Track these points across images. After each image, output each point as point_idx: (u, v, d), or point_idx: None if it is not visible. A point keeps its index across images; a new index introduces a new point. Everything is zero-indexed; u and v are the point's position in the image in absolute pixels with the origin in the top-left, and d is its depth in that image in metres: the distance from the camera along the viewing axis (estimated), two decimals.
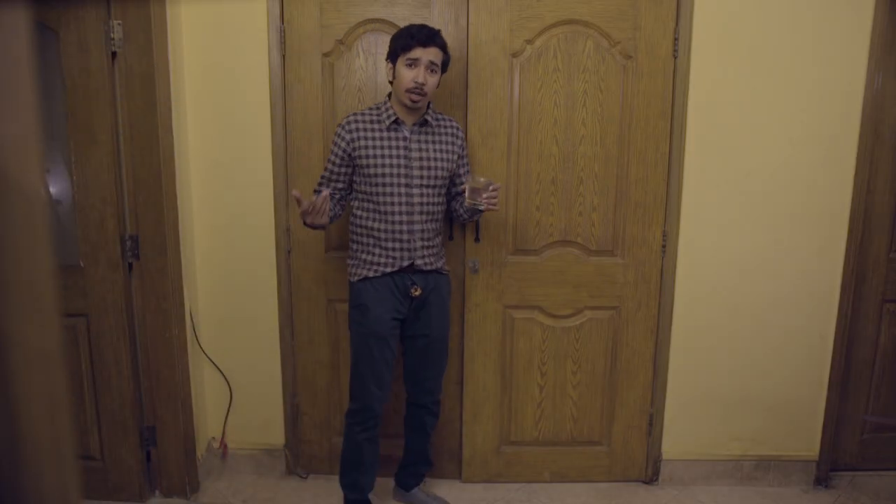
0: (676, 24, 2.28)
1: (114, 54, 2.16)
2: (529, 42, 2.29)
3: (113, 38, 2.14)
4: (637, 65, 2.30)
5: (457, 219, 2.27)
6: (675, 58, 2.29)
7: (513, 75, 2.31)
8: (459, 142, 2.17)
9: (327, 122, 2.35)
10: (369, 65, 2.31)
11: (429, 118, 2.09)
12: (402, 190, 2.05)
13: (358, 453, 2.20)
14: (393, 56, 2.01)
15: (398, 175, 2.04)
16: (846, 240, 2.39)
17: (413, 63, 1.97)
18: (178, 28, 2.30)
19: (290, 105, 2.35)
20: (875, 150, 2.34)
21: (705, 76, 2.30)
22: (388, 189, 2.05)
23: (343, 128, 2.08)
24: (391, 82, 2.04)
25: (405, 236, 2.07)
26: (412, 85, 1.97)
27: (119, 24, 2.13)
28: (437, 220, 2.15)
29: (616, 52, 2.30)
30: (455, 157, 2.16)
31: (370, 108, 2.11)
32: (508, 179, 2.37)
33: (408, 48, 1.97)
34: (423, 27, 1.99)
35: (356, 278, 2.12)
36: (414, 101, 2.00)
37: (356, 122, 2.07)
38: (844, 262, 2.40)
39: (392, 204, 2.05)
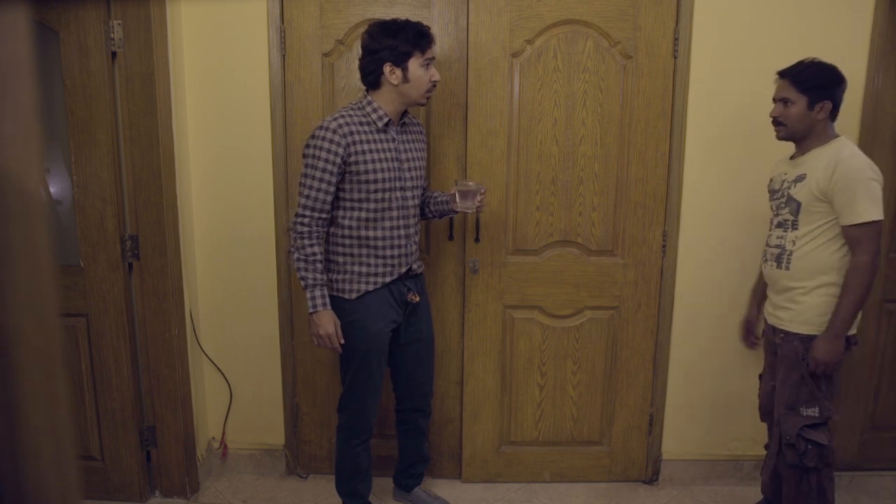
0: (676, 24, 2.28)
1: (114, 54, 2.16)
2: (529, 42, 2.29)
3: (113, 38, 2.14)
4: (637, 65, 2.30)
5: (421, 217, 2.21)
6: (675, 58, 2.29)
7: (513, 75, 2.31)
8: (425, 139, 2.18)
9: None
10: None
11: (406, 119, 2.06)
12: (398, 194, 1.99)
13: (355, 463, 2.16)
14: (402, 57, 1.90)
15: (393, 179, 1.97)
16: None
17: (430, 62, 1.95)
18: (178, 28, 2.30)
19: (290, 105, 2.35)
20: (875, 149, 2.34)
21: (705, 76, 2.30)
22: (385, 195, 1.97)
23: (335, 132, 1.89)
24: (396, 84, 1.93)
25: (402, 241, 2.02)
26: (431, 84, 1.97)
27: (119, 24, 2.13)
28: (419, 222, 2.15)
29: (616, 52, 2.30)
30: (425, 154, 2.17)
31: (350, 109, 1.97)
32: (508, 179, 2.37)
33: (425, 48, 1.92)
34: (422, 24, 1.96)
35: (355, 294, 2.00)
36: (428, 100, 2.02)
37: (348, 125, 1.91)
38: None
39: (390, 209, 1.98)
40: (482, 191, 2.03)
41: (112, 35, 2.14)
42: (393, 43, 1.89)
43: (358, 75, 2.20)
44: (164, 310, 2.31)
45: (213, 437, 2.61)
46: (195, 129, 2.39)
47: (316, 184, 1.91)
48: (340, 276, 2.02)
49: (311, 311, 1.96)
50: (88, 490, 2.37)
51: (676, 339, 2.48)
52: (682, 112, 2.32)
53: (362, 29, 2.29)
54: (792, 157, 2.01)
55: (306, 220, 1.93)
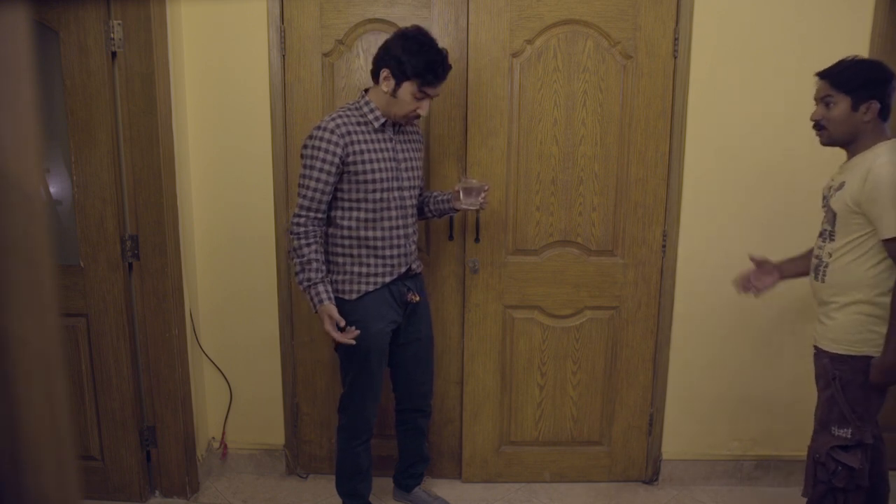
0: (676, 24, 2.28)
1: (114, 54, 2.16)
2: (529, 42, 2.29)
3: (113, 38, 2.14)
4: (637, 65, 2.30)
5: (420, 216, 2.20)
6: (675, 58, 2.29)
7: (513, 75, 2.31)
8: (422, 139, 2.17)
9: None
10: (369, 65, 2.29)
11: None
12: (396, 194, 1.99)
13: (356, 464, 2.16)
14: (401, 73, 1.86)
15: (391, 179, 1.97)
16: None
17: (425, 97, 1.91)
18: (178, 28, 2.30)
19: (290, 105, 2.34)
20: None
21: (705, 76, 2.30)
22: (384, 195, 1.96)
23: (333, 133, 1.88)
24: (385, 91, 1.90)
25: (401, 241, 2.02)
26: (414, 115, 1.94)
27: (119, 24, 2.13)
28: (417, 222, 2.15)
29: (616, 52, 2.30)
30: (422, 154, 2.16)
31: (347, 109, 1.96)
32: (508, 179, 2.37)
33: (429, 84, 1.88)
34: (444, 58, 1.88)
35: (355, 295, 2.00)
36: (407, 123, 1.99)
37: (345, 125, 1.90)
38: None
39: (389, 209, 1.98)
40: (486, 188, 2.05)
41: (112, 35, 2.14)
42: (402, 58, 1.86)
43: (358, 75, 2.20)
44: (164, 310, 2.31)
45: (213, 437, 2.61)
46: (195, 129, 2.38)
47: (313, 184, 1.91)
48: (340, 277, 2.01)
49: (315, 309, 1.97)
50: (88, 490, 2.37)
51: (676, 339, 2.48)
52: (682, 112, 2.32)
53: (362, 29, 2.30)
54: (843, 164, 1.85)
55: (302, 220, 1.93)
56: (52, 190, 2.24)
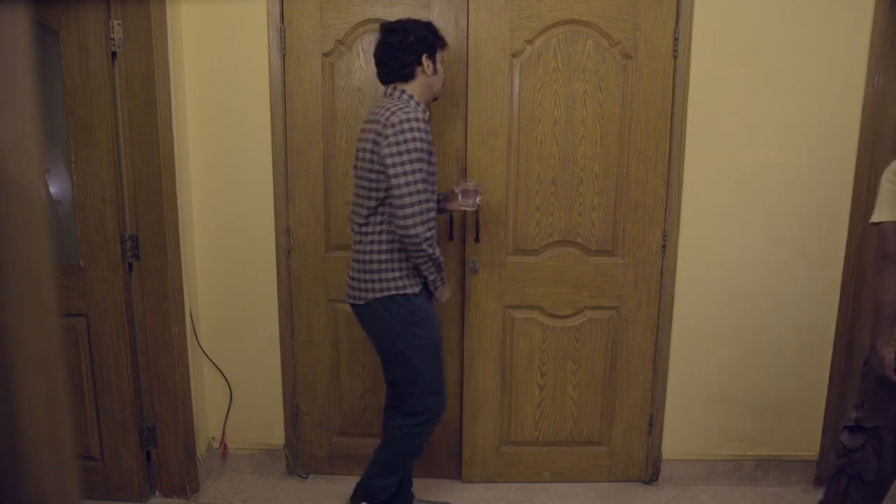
0: (676, 24, 2.28)
1: (114, 54, 2.16)
2: (529, 42, 2.29)
3: (113, 38, 2.14)
4: (637, 65, 2.30)
5: None
6: (675, 58, 2.29)
7: (513, 75, 2.31)
8: None
9: (327, 122, 2.35)
10: (369, 65, 2.30)
11: None
12: (433, 188, 2.00)
13: (421, 446, 2.13)
14: (431, 49, 1.96)
15: (434, 173, 1.99)
16: (846, 239, 2.39)
17: (442, 59, 2.04)
18: (178, 28, 2.30)
19: (290, 105, 2.35)
20: (875, 149, 2.34)
21: (705, 76, 2.30)
22: (431, 186, 1.97)
23: (424, 122, 1.88)
24: (430, 74, 1.98)
25: (434, 231, 2.02)
26: (444, 80, 2.06)
27: (119, 23, 2.13)
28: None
29: (616, 52, 2.30)
30: None
31: (406, 102, 1.94)
32: (508, 179, 2.37)
33: (444, 45, 2.01)
34: None
35: (418, 288, 1.99)
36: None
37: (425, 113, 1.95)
38: (844, 261, 2.40)
39: (431, 201, 1.97)
40: (481, 190, 2.10)
41: (112, 35, 2.14)
42: (428, 37, 1.96)
43: (358, 75, 2.20)
44: (164, 310, 2.31)
45: (213, 437, 2.61)
46: (195, 129, 2.39)
47: (425, 176, 1.88)
48: (397, 274, 1.97)
49: (438, 285, 2.04)
50: (88, 490, 2.37)
51: (676, 339, 2.48)
52: (682, 112, 2.32)
53: (362, 29, 2.30)
54: None
55: (433, 224, 1.93)
56: (52, 190, 2.24)
